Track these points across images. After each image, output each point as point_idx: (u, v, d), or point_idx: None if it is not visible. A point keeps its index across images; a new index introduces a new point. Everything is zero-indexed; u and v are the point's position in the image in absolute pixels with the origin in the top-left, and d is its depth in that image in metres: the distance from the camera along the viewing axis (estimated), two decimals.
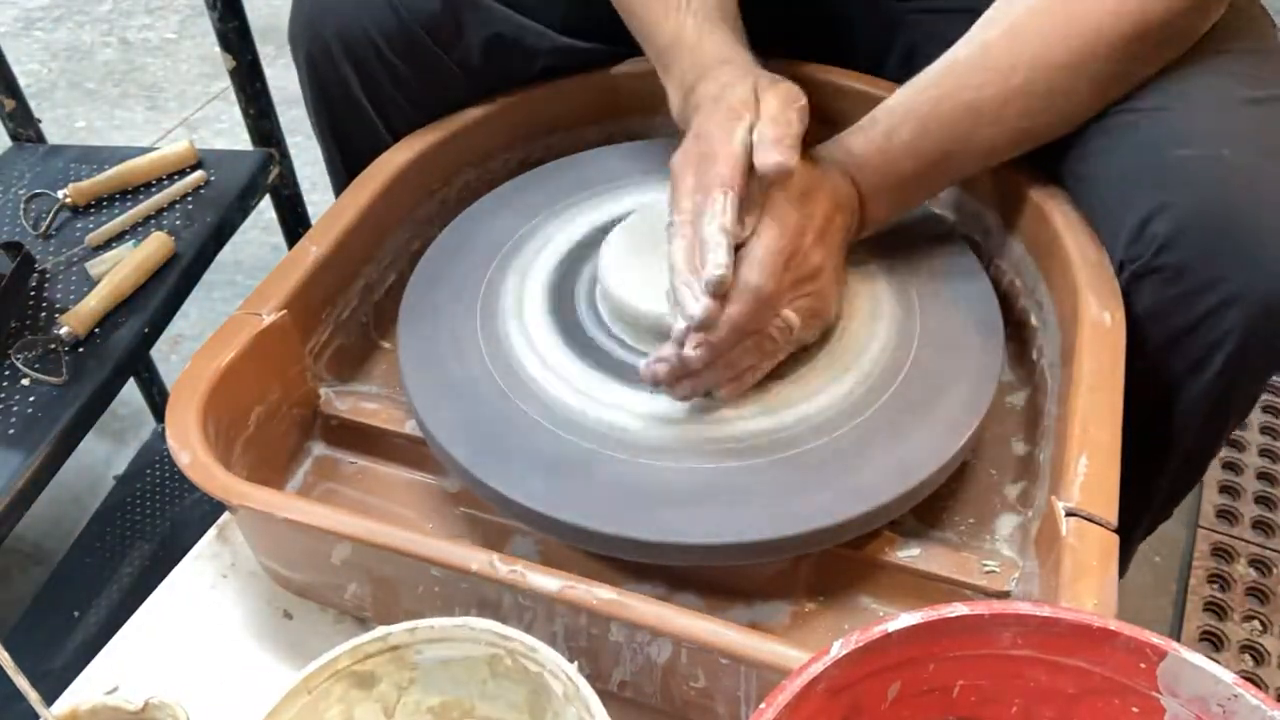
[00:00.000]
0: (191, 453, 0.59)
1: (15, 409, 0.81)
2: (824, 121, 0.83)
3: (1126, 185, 0.65)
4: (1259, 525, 1.16)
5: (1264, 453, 1.24)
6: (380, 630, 0.51)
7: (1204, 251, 0.61)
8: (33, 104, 1.12)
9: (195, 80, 2.10)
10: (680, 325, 0.60)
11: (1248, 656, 1.05)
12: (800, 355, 0.66)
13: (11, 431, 0.80)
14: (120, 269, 0.90)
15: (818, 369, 0.66)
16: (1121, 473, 0.57)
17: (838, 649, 0.41)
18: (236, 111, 1.11)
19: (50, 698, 0.53)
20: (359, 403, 0.72)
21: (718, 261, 0.59)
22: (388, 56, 0.78)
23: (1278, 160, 0.63)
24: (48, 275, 0.94)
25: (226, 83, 1.10)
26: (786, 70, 0.70)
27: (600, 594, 0.52)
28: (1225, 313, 0.62)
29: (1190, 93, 0.66)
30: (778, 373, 0.65)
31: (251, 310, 0.67)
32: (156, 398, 1.35)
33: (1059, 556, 0.53)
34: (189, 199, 1.01)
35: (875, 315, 0.69)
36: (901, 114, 0.68)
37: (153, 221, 0.99)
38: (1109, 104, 0.67)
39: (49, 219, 0.98)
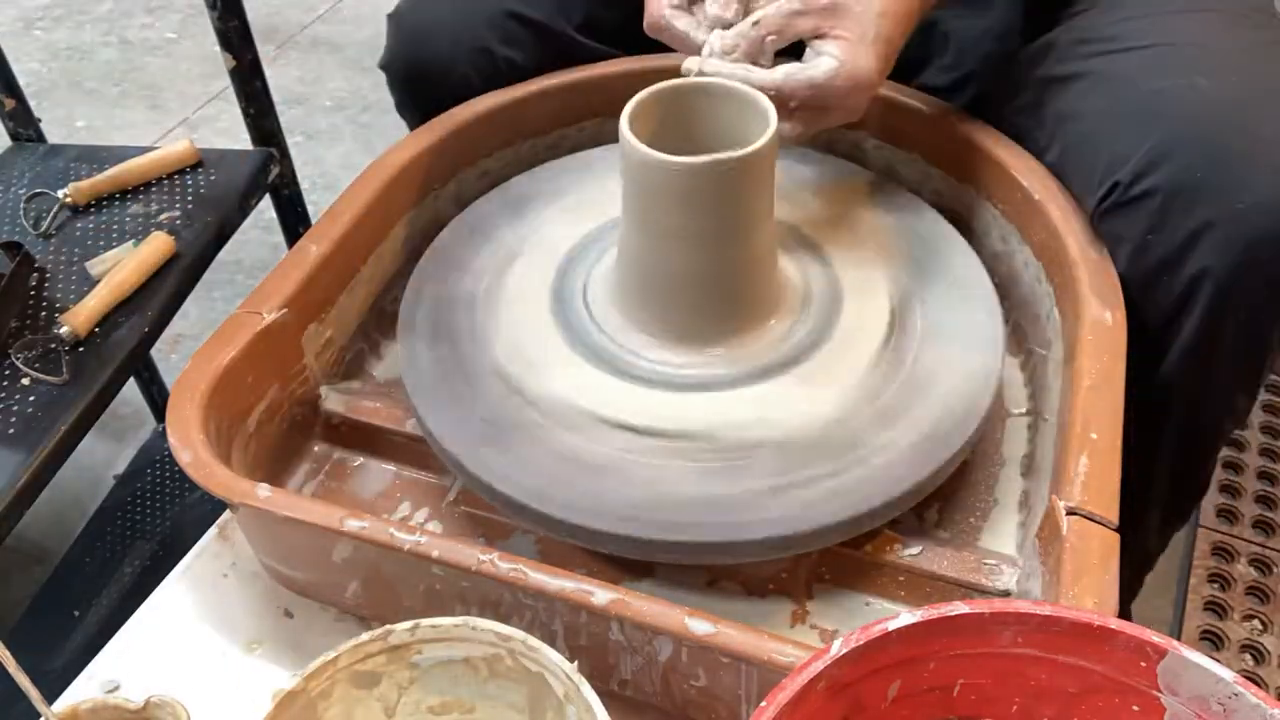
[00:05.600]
0: (193, 451, 0.59)
1: (15, 409, 0.82)
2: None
3: (1107, 119, 0.66)
4: (1259, 525, 1.16)
5: (1264, 452, 1.24)
6: (381, 629, 0.51)
7: (1182, 175, 0.61)
8: (33, 104, 1.12)
9: (195, 80, 2.10)
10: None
11: (1248, 655, 1.05)
12: (801, 353, 0.66)
13: (11, 431, 0.80)
14: (120, 269, 0.90)
15: (818, 366, 0.66)
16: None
17: (838, 647, 0.41)
18: (236, 111, 1.11)
19: (51, 697, 0.53)
20: (359, 401, 0.72)
21: None
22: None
23: (1260, 91, 0.63)
24: (48, 275, 0.94)
25: (226, 82, 1.10)
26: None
27: (601, 593, 0.52)
28: (1205, 237, 0.61)
29: (1172, 30, 0.67)
30: (778, 370, 0.65)
31: (252, 309, 0.67)
32: (156, 398, 1.35)
33: (1059, 555, 0.53)
34: (189, 199, 1.01)
35: (874, 314, 0.69)
36: None
37: (153, 222, 0.99)
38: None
39: (49, 219, 0.98)
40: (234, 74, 1.07)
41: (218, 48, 1.06)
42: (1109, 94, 0.67)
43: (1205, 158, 0.61)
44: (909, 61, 0.80)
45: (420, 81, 0.84)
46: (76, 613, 1.11)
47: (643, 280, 0.67)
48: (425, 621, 0.51)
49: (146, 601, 0.67)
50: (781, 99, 0.63)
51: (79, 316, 0.86)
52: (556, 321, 0.69)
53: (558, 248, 0.75)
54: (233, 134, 1.89)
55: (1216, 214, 0.61)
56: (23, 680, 0.50)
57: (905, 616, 0.42)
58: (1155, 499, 0.76)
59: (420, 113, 0.85)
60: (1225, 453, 1.26)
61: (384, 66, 0.86)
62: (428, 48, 0.83)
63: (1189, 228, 0.62)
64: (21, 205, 0.99)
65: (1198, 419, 0.71)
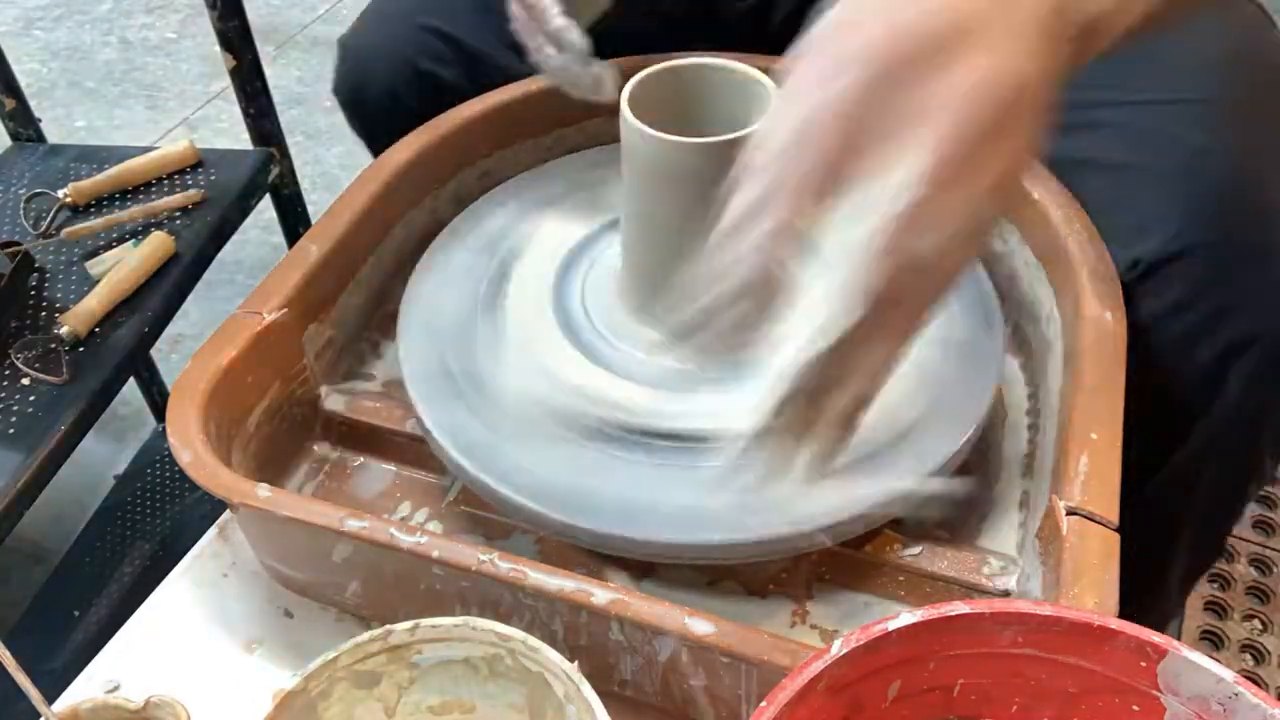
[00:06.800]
0: (193, 451, 0.59)
1: (15, 409, 0.82)
2: None
3: (1133, 172, 0.65)
4: (1259, 525, 1.16)
5: None
6: (381, 629, 0.51)
7: (1221, 234, 0.60)
8: (33, 104, 1.12)
9: (195, 80, 2.10)
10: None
11: (1248, 655, 1.05)
12: None
13: (11, 431, 0.80)
14: (120, 269, 0.90)
15: None
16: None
17: (838, 648, 0.41)
18: (236, 111, 1.12)
19: (51, 697, 0.53)
20: (359, 401, 0.72)
21: None
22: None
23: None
24: (48, 275, 0.94)
25: (226, 82, 1.10)
26: (760, 64, 0.69)
27: (601, 593, 0.52)
28: (1254, 297, 0.60)
29: (1197, 84, 0.66)
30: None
31: (251, 309, 0.67)
32: (156, 398, 1.35)
33: (1059, 555, 0.53)
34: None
35: None
36: None
37: (153, 222, 0.99)
38: None
39: (49, 219, 0.99)
40: (234, 74, 1.07)
41: (218, 48, 1.06)
42: (1135, 146, 0.66)
43: (1244, 216, 0.60)
44: None
45: (362, 105, 0.85)
46: (76, 613, 1.11)
47: (644, 275, 0.67)
48: (425, 621, 0.51)
49: (146, 601, 0.67)
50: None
51: (79, 316, 0.87)
52: (557, 321, 0.69)
53: (558, 247, 0.75)
54: (233, 134, 1.90)
55: (1262, 277, 0.60)
56: (23, 680, 0.50)
57: (905, 616, 0.42)
58: (1176, 564, 0.76)
59: (366, 137, 0.87)
60: None
61: (334, 91, 0.87)
62: (367, 71, 0.84)
63: (1237, 287, 0.61)
64: (21, 205, 0.99)
65: (1230, 484, 0.70)
